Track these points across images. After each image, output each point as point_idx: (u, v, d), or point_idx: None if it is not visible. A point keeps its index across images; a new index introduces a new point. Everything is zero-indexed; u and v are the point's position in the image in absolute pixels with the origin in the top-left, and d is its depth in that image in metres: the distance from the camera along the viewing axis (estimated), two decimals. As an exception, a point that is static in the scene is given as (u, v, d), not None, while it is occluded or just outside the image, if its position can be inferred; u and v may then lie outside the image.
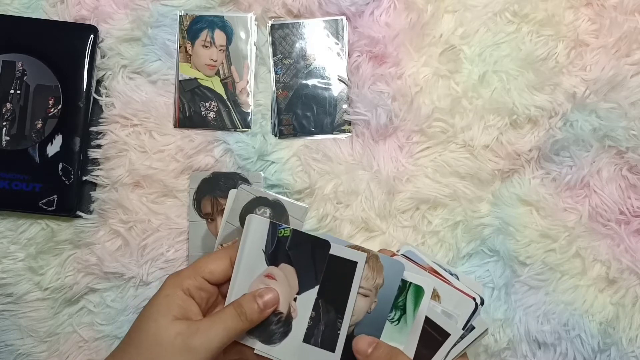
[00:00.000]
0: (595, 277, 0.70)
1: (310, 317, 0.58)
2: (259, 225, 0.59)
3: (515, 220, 0.71)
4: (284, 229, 0.59)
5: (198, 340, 0.52)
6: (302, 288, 0.58)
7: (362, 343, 0.57)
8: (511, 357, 0.70)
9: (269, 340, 0.57)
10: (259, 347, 0.57)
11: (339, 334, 0.57)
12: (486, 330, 0.59)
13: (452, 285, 0.59)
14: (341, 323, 0.57)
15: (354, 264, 0.58)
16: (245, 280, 0.58)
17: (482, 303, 0.60)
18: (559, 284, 0.70)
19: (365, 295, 0.58)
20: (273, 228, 0.59)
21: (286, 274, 0.58)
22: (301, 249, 0.58)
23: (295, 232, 0.59)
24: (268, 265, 0.58)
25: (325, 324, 0.57)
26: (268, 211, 0.72)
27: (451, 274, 0.61)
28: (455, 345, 0.57)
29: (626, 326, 0.70)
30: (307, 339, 0.57)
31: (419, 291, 0.58)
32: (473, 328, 0.58)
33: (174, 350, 0.52)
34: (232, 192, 0.72)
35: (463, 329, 0.57)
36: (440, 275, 0.60)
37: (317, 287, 0.58)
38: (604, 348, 0.69)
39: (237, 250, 0.58)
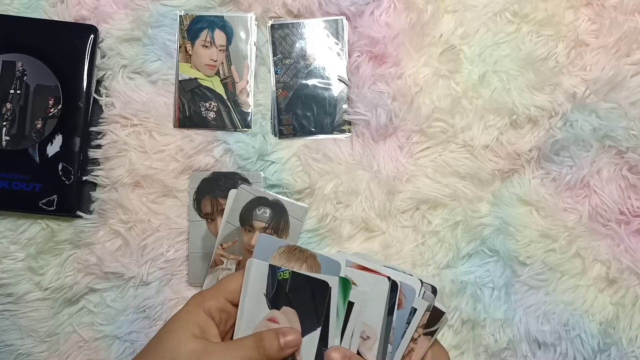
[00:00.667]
0: (595, 277, 0.70)
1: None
2: (258, 268, 0.58)
3: (515, 220, 0.71)
4: (282, 272, 0.58)
5: None
6: (305, 331, 0.57)
7: (335, 354, 0.56)
8: (511, 357, 0.70)
9: None
10: None
11: None
12: (442, 314, 0.59)
13: (365, 270, 0.59)
14: (325, 350, 0.56)
15: (328, 287, 0.57)
16: (249, 324, 0.57)
17: (434, 291, 0.60)
18: (559, 284, 0.70)
19: None
20: (272, 271, 0.58)
21: (288, 317, 0.57)
22: (301, 291, 0.57)
23: (295, 275, 0.58)
24: (270, 309, 0.58)
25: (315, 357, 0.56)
26: (268, 211, 0.72)
27: (387, 267, 0.61)
28: (405, 332, 0.58)
29: (626, 326, 0.70)
30: None
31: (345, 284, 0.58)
32: (415, 310, 0.58)
33: None
34: (232, 192, 0.72)
35: (391, 312, 0.58)
36: (366, 267, 0.60)
37: (319, 329, 0.56)
38: (604, 348, 0.69)
39: (240, 294, 0.57)
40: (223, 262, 0.72)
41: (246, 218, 0.72)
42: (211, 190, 0.73)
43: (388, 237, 0.72)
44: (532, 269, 0.70)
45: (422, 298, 0.59)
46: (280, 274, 0.58)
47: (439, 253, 0.72)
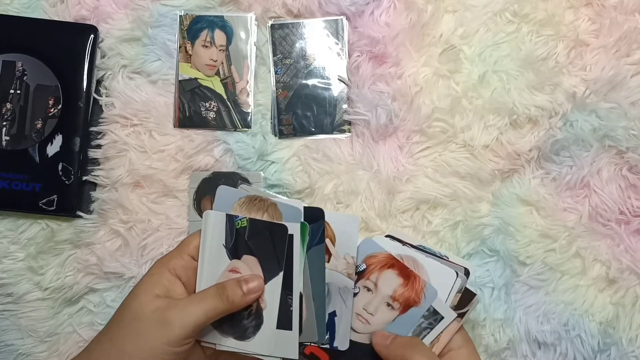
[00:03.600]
0: (595, 277, 0.70)
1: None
2: (215, 219, 0.58)
3: (515, 220, 0.71)
4: (240, 219, 0.58)
5: (175, 315, 0.53)
6: (267, 277, 0.58)
7: (379, 336, 0.58)
8: (511, 357, 0.70)
9: (243, 335, 0.57)
10: (233, 344, 0.57)
11: (291, 310, 0.57)
12: (473, 295, 0.59)
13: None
14: (291, 299, 0.57)
15: (290, 235, 0.58)
16: (210, 278, 0.57)
17: (467, 273, 0.61)
18: (559, 284, 0.70)
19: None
20: (230, 221, 0.58)
21: (249, 265, 0.58)
22: (260, 237, 0.58)
23: (252, 222, 0.58)
24: (230, 259, 0.58)
25: (279, 304, 0.57)
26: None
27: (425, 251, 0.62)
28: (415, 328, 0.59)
29: (626, 326, 0.70)
30: (280, 326, 0.57)
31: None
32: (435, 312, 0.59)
33: (151, 324, 0.52)
34: (232, 192, 0.72)
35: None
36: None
37: (281, 274, 0.57)
38: (604, 348, 0.69)
39: (200, 248, 0.58)
40: (223, 262, 0.72)
41: (246, 218, 0.72)
42: (211, 190, 0.73)
43: (388, 237, 0.72)
44: (532, 269, 0.70)
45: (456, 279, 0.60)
46: (238, 222, 0.58)
47: (439, 253, 0.72)
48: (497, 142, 0.72)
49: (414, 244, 0.63)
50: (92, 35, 0.73)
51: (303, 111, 0.74)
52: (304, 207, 0.59)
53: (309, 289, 0.58)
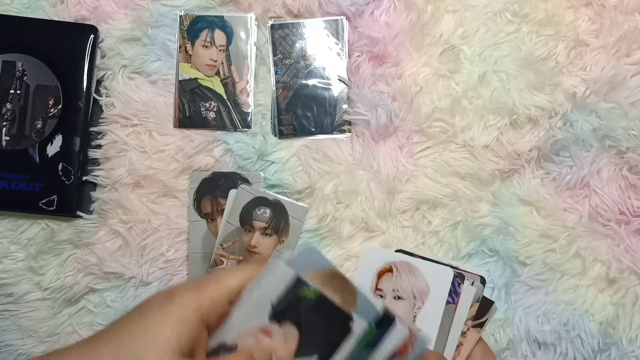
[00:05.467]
0: (595, 277, 0.70)
1: None
2: (281, 273, 0.49)
3: (515, 220, 0.71)
4: (308, 288, 0.50)
5: None
6: (299, 353, 0.49)
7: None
8: (511, 357, 0.70)
9: None
10: None
11: None
12: (491, 303, 0.58)
13: None
14: None
15: (351, 330, 0.49)
16: (235, 327, 0.49)
17: (483, 281, 0.60)
18: (559, 284, 0.70)
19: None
20: (296, 284, 0.49)
21: (286, 334, 0.49)
22: (318, 316, 0.50)
23: (321, 298, 0.49)
24: (269, 320, 0.49)
25: None
26: (268, 211, 0.72)
27: None
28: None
29: (626, 326, 0.70)
30: None
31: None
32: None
33: None
34: (232, 192, 0.72)
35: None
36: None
37: (315, 357, 0.49)
38: (604, 348, 0.69)
39: (246, 288, 0.49)
40: (223, 262, 0.72)
41: (246, 218, 0.72)
42: (211, 190, 0.73)
43: (388, 237, 0.72)
44: (532, 269, 0.70)
45: (471, 286, 0.57)
46: (304, 290, 0.50)
47: (439, 253, 0.72)
48: (497, 142, 0.72)
49: (427, 257, 0.63)
50: (92, 35, 0.73)
51: (303, 111, 0.74)
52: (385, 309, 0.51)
53: None
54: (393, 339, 0.51)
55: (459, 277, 0.62)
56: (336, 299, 0.50)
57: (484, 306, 0.58)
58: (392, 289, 0.65)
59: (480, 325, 0.57)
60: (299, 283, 0.49)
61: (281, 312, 0.49)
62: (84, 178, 0.73)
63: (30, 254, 0.73)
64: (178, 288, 0.44)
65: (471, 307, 0.57)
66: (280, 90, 0.74)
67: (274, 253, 0.71)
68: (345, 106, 0.74)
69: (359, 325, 0.49)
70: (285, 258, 0.49)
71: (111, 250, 0.73)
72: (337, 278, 0.51)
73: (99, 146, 0.74)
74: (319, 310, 0.49)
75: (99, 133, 0.74)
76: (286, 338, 0.49)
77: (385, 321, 0.51)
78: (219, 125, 0.74)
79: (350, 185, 0.72)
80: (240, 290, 0.47)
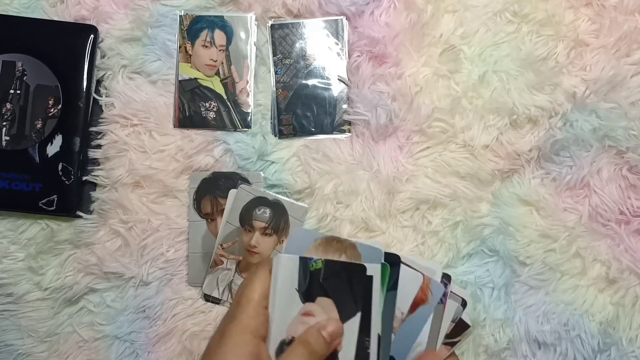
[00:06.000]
0: (595, 277, 0.70)
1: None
2: (288, 263, 0.55)
3: (515, 220, 0.71)
4: (315, 261, 0.56)
5: None
6: (344, 317, 0.55)
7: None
8: (511, 357, 0.70)
9: None
10: None
11: (369, 352, 0.55)
12: (467, 327, 0.59)
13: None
14: (369, 341, 0.55)
15: (370, 277, 0.55)
16: (282, 323, 0.54)
17: (464, 304, 0.60)
18: (559, 284, 0.70)
19: None
20: (304, 263, 0.55)
21: (324, 307, 0.55)
22: (336, 278, 0.55)
23: (328, 262, 0.55)
24: (303, 303, 0.55)
25: (356, 346, 0.55)
26: (268, 211, 0.72)
27: None
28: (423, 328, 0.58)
29: (626, 326, 0.70)
30: None
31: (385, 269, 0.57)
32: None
33: None
34: (232, 192, 0.72)
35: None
36: None
37: (359, 314, 0.55)
38: (604, 348, 0.69)
39: (270, 294, 0.54)
40: (223, 262, 0.72)
41: (246, 218, 0.72)
42: (211, 190, 0.73)
43: (388, 237, 0.72)
44: (532, 269, 0.70)
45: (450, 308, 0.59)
46: (312, 265, 0.55)
47: (439, 253, 0.72)
48: (497, 142, 0.72)
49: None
50: (92, 35, 0.73)
51: (303, 111, 0.74)
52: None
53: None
54: (408, 283, 0.58)
55: (445, 277, 0.63)
56: (340, 257, 0.56)
57: (460, 327, 0.60)
58: None
59: (451, 345, 0.59)
60: (304, 262, 0.55)
61: (308, 292, 0.55)
62: (84, 178, 0.73)
63: (30, 254, 0.73)
64: (224, 328, 0.53)
65: (448, 326, 0.59)
66: (280, 90, 0.74)
67: (273, 253, 0.71)
68: (345, 106, 0.74)
69: (374, 269, 0.55)
70: (282, 251, 0.56)
71: (111, 250, 0.73)
72: (332, 241, 0.58)
73: (99, 146, 0.74)
74: (333, 273, 0.55)
75: (99, 133, 0.74)
76: (326, 310, 0.55)
77: (391, 259, 0.58)
78: (219, 125, 0.74)
79: (350, 185, 0.72)
80: (266, 296, 0.54)
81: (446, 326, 0.61)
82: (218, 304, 0.72)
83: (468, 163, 0.72)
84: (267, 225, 0.72)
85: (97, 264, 0.72)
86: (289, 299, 0.55)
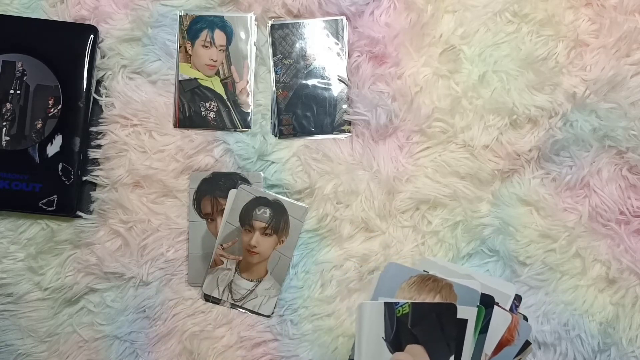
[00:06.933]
0: (595, 277, 0.70)
1: None
2: (372, 310, 0.53)
3: (515, 220, 0.71)
4: (401, 306, 0.53)
5: None
6: None
7: None
8: (511, 357, 0.70)
9: None
10: None
11: None
12: (529, 344, 0.57)
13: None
14: None
15: (464, 321, 0.53)
16: None
17: (526, 319, 0.58)
18: (559, 284, 0.70)
19: None
20: (389, 310, 0.52)
21: (415, 355, 0.52)
22: (426, 322, 0.52)
23: (415, 306, 0.52)
24: (392, 353, 0.52)
25: None
26: (268, 211, 0.72)
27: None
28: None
29: (626, 326, 0.70)
30: None
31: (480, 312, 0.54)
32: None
33: None
34: (232, 192, 0.72)
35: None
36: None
37: (452, 357, 0.52)
38: (604, 348, 0.69)
39: (355, 345, 0.52)
40: (223, 262, 0.72)
41: (246, 218, 0.72)
42: (211, 190, 0.73)
43: (388, 237, 0.72)
44: (532, 269, 0.70)
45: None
46: (399, 310, 0.52)
47: (439, 253, 0.72)
48: (497, 142, 0.72)
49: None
50: (92, 35, 0.73)
51: (303, 111, 0.74)
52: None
53: None
54: (497, 323, 0.54)
55: (516, 299, 0.60)
56: (434, 298, 0.52)
57: (523, 345, 0.58)
58: None
59: None
60: (390, 307, 0.52)
61: (396, 340, 0.52)
62: (84, 178, 0.73)
63: (30, 254, 0.73)
64: None
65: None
66: (280, 90, 0.74)
67: (274, 253, 0.71)
68: (345, 106, 0.74)
69: (469, 312, 0.52)
70: (372, 290, 0.52)
71: (111, 250, 0.73)
72: (427, 280, 0.54)
73: (99, 146, 0.74)
74: (422, 317, 0.51)
75: (99, 133, 0.74)
76: (417, 358, 0.51)
77: (487, 301, 0.55)
78: (218, 125, 0.74)
79: (350, 185, 0.72)
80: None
81: (517, 349, 0.59)
82: (218, 304, 0.72)
83: (468, 163, 0.72)
84: (267, 225, 0.72)
85: (97, 264, 0.72)
86: (376, 349, 0.52)
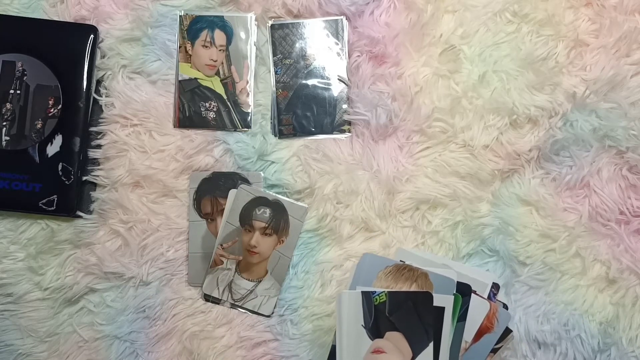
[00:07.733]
0: (595, 277, 0.70)
1: None
2: (350, 299, 0.54)
3: (515, 220, 0.71)
4: (378, 294, 0.54)
5: None
6: (416, 350, 0.53)
7: None
8: (511, 357, 0.70)
9: None
10: None
11: None
12: (509, 332, 0.57)
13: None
14: None
15: (441, 309, 0.54)
16: None
17: (506, 307, 0.58)
18: (559, 284, 0.70)
19: None
20: (367, 298, 0.54)
21: (394, 342, 0.53)
22: (403, 310, 0.54)
23: (392, 294, 0.54)
24: (372, 340, 0.53)
25: None
26: (268, 211, 0.72)
27: None
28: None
29: (626, 326, 0.70)
30: None
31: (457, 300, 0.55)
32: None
33: None
34: (232, 192, 0.72)
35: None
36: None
37: (431, 345, 0.53)
38: (604, 348, 0.69)
39: (336, 333, 0.53)
40: (223, 262, 0.72)
41: (246, 218, 0.72)
42: (211, 190, 0.73)
43: (388, 237, 0.72)
44: (532, 269, 0.70)
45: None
46: (376, 298, 0.54)
47: (439, 253, 0.72)
48: (497, 142, 0.72)
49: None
50: (92, 35, 0.73)
51: (303, 111, 0.74)
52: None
53: None
54: (475, 311, 0.56)
55: (494, 287, 0.61)
56: (410, 287, 0.54)
57: (504, 333, 0.58)
58: None
59: (494, 351, 0.58)
60: (368, 296, 0.53)
61: (375, 328, 0.53)
62: (84, 178, 0.73)
63: (30, 254, 0.73)
64: None
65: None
66: (280, 90, 0.74)
67: (274, 253, 0.71)
68: (345, 106, 0.74)
69: (446, 300, 0.53)
70: (349, 282, 0.53)
71: (111, 250, 0.73)
72: (403, 269, 0.56)
73: (99, 146, 0.74)
74: (399, 305, 0.53)
75: (99, 133, 0.74)
76: (397, 345, 0.53)
77: (463, 289, 0.56)
78: (218, 125, 0.74)
79: (350, 185, 0.72)
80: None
81: (497, 337, 0.59)
82: (218, 304, 0.72)
83: (468, 163, 0.72)
84: (267, 225, 0.72)
85: (97, 264, 0.72)
86: (356, 336, 0.53)
